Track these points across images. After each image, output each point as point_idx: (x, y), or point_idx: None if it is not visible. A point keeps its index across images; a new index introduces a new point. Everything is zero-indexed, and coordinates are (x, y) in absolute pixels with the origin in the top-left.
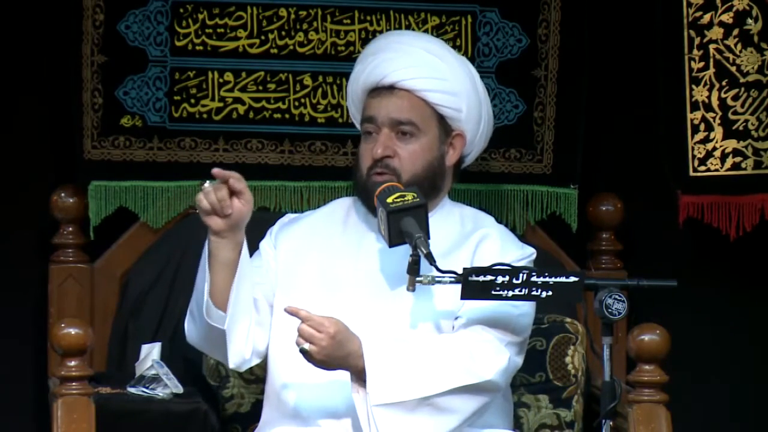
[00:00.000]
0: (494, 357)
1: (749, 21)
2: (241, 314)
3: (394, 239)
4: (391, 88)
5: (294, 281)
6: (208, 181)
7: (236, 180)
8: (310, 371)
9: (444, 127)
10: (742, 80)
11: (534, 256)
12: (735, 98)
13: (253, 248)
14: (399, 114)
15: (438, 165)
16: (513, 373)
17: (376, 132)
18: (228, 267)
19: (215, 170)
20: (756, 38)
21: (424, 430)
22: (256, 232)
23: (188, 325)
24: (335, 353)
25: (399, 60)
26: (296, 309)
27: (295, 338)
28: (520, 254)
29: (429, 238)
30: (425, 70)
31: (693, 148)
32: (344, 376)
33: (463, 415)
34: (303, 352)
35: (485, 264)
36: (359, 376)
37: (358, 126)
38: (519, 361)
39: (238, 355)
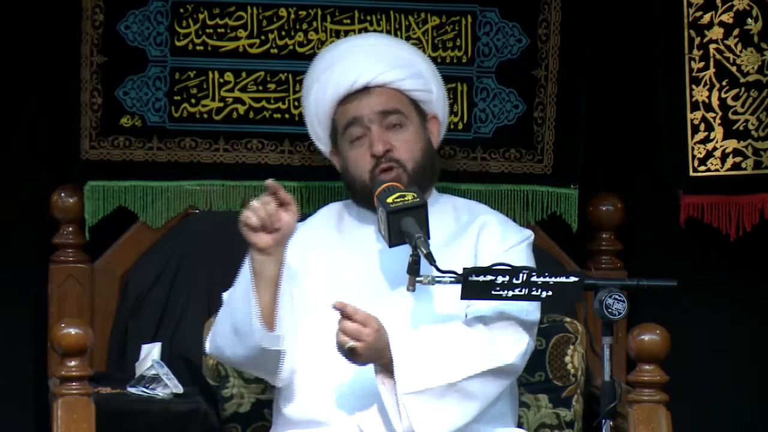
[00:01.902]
0: (515, 341)
1: (749, 21)
2: (291, 330)
3: (394, 239)
4: (364, 90)
5: (300, 289)
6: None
7: (285, 192)
8: (323, 377)
9: (420, 112)
10: (742, 80)
11: (532, 237)
12: (735, 98)
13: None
14: (384, 106)
15: (430, 150)
16: (529, 356)
17: (364, 133)
18: (273, 284)
19: (269, 182)
20: (756, 38)
21: (452, 417)
22: None
23: (227, 344)
24: (376, 346)
25: (362, 61)
26: (344, 304)
27: (322, 338)
28: (520, 237)
29: (429, 238)
30: (391, 62)
31: (693, 148)
32: (353, 378)
33: (485, 401)
34: (350, 350)
35: (489, 251)
36: (385, 368)
37: (323, 148)
38: (533, 344)
39: (289, 371)
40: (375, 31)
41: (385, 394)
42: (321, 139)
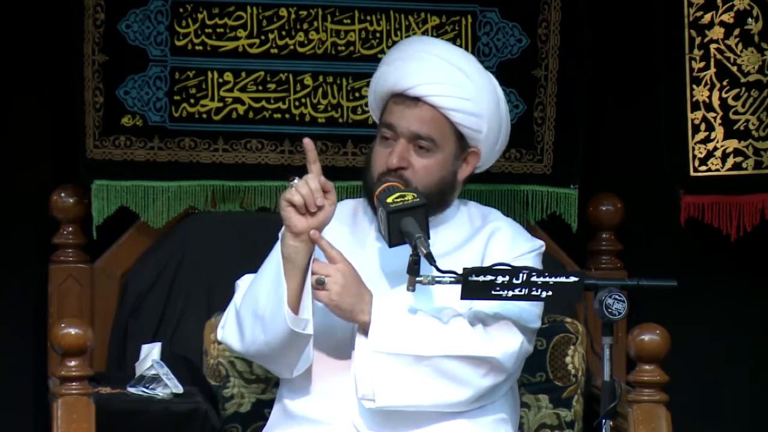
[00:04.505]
0: (507, 338)
1: (750, 21)
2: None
3: (394, 239)
4: (415, 100)
5: None
6: (296, 178)
7: (326, 180)
8: (325, 374)
9: (461, 143)
10: (742, 80)
11: (543, 248)
12: (736, 98)
13: (253, 247)
14: (419, 128)
15: (450, 180)
16: (523, 359)
17: (393, 139)
18: (301, 272)
19: (306, 140)
20: (756, 38)
21: (420, 391)
22: (256, 232)
23: (247, 330)
24: (349, 288)
25: (428, 73)
26: (319, 236)
27: (327, 334)
28: (530, 246)
29: (429, 238)
30: (453, 89)
31: (694, 148)
32: (353, 377)
33: (471, 390)
34: (319, 283)
35: (497, 257)
36: (364, 328)
37: (375, 118)
38: (530, 348)
39: (309, 361)
40: (375, 31)
41: (358, 351)
42: (374, 111)
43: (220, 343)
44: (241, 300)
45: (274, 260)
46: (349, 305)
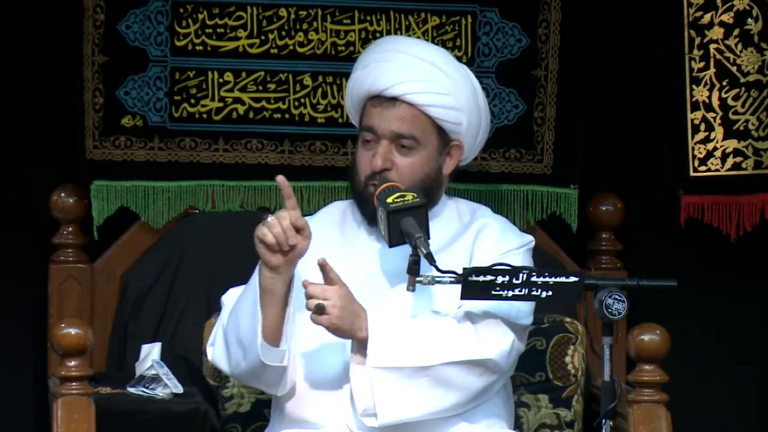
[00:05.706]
0: (499, 338)
1: (750, 21)
2: (293, 345)
3: (394, 239)
4: (393, 100)
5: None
6: (270, 216)
7: (299, 216)
8: (320, 377)
9: (443, 138)
10: (742, 80)
11: (533, 243)
12: (735, 98)
13: (253, 248)
14: (400, 128)
15: (435, 176)
16: (516, 357)
17: (375, 141)
18: (280, 301)
19: (279, 178)
20: (756, 38)
21: (420, 402)
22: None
23: (231, 355)
24: (347, 309)
25: (403, 72)
26: (325, 261)
27: (306, 331)
28: (519, 242)
29: (429, 238)
30: (429, 85)
31: (693, 148)
32: (347, 378)
33: (467, 392)
34: (318, 308)
35: (485, 253)
36: (361, 345)
37: (354, 123)
38: (521, 346)
39: (291, 383)
40: (375, 31)
41: (355, 369)
42: (353, 116)
43: None
44: (227, 320)
45: (252, 289)
46: (349, 325)
